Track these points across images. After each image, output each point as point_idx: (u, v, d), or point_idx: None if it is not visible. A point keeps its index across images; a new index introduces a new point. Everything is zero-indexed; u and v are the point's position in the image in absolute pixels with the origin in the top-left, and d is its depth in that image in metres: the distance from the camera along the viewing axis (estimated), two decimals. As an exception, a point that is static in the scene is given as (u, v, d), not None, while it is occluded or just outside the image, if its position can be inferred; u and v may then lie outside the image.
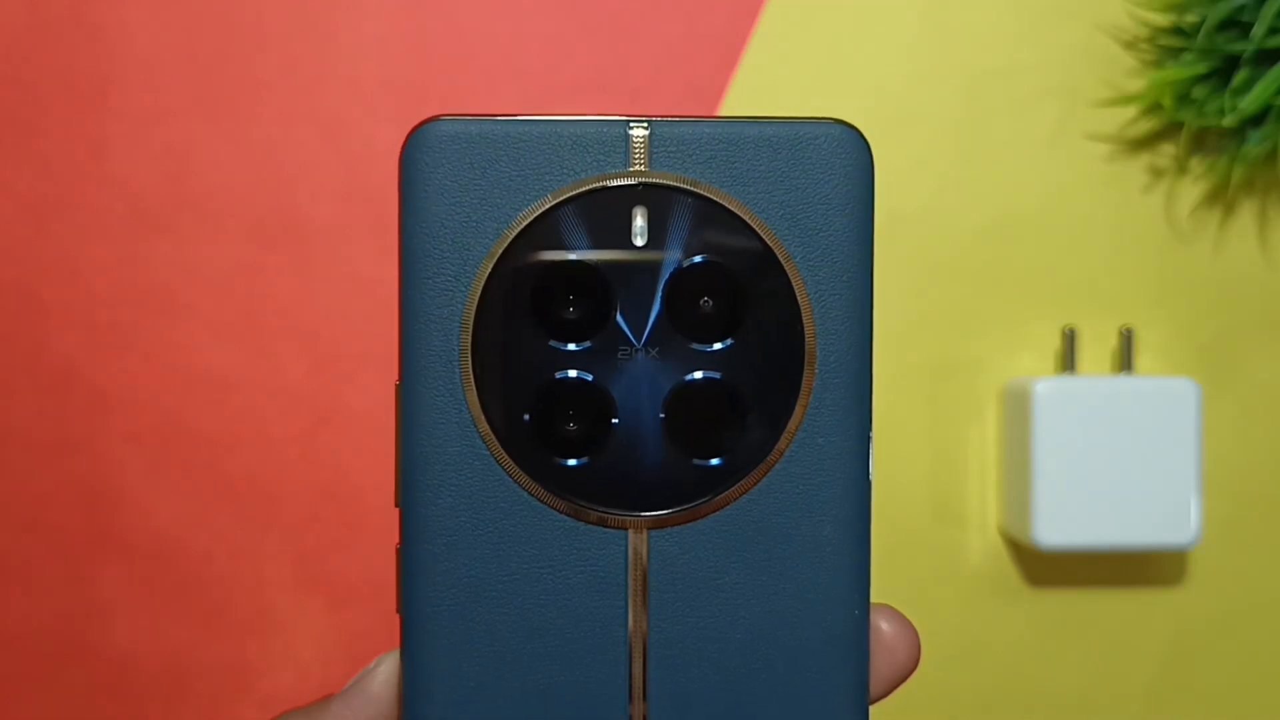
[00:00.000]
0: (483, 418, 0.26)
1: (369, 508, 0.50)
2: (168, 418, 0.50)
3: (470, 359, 0.26)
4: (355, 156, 0.50)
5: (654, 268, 0.27)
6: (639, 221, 0.27)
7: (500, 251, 0.26)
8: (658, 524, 0.27)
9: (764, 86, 0.51)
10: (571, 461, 0.27)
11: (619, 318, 0.27)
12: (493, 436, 0.26)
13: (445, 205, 0.26)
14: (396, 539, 0.27)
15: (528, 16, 0.51)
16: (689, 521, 0.27)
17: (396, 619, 0.28)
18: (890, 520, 0.51)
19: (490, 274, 0.26)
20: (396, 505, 0.27)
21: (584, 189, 0.26)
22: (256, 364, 0.50)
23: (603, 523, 0.27)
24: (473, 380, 0.26)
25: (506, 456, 0.26)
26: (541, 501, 0.27)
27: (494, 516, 0.27)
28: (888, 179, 0.53)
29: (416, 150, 0.26)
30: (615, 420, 0.27)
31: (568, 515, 0.27)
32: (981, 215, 0.51)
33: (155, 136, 0.50)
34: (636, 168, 0.27)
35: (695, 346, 0.27)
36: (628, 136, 0.27)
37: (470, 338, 0.26)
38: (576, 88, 0.51)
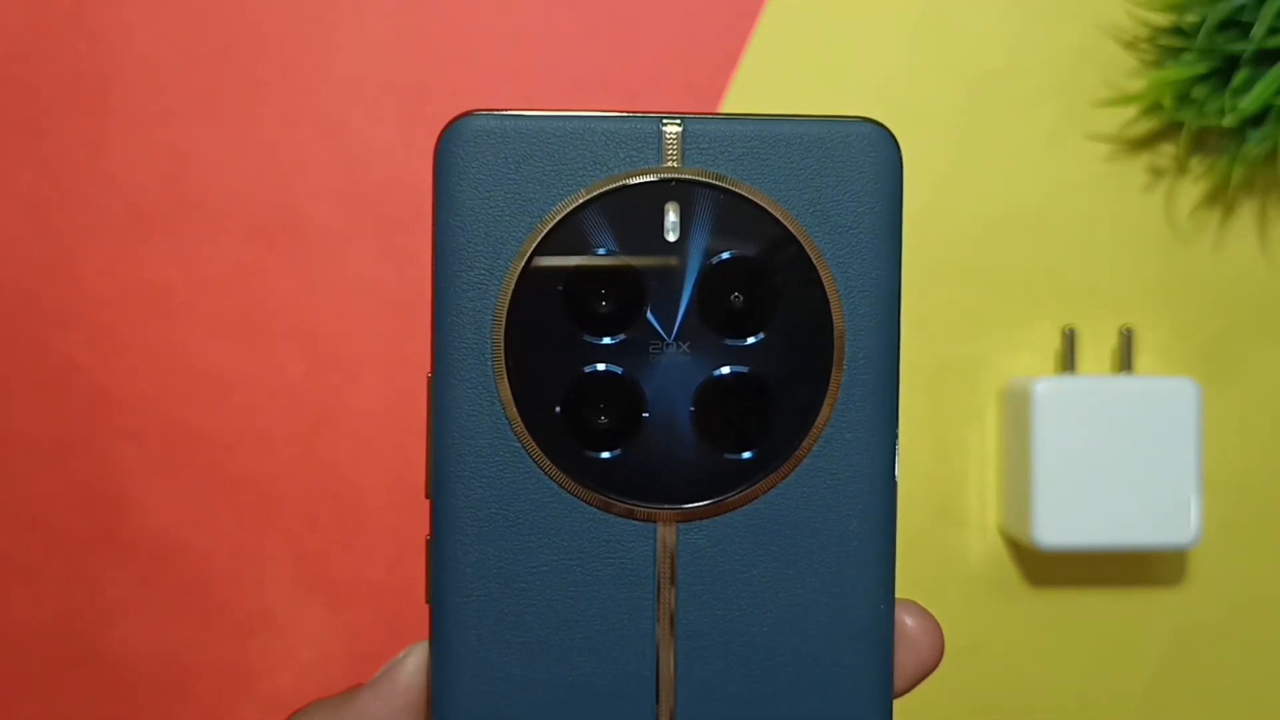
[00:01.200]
0: (515, 410, 0.27)
1: (369, 508, 0.50)
2: (168, 418, 0.50)
3: (503, 352, 0.27)
4: (355, 156, 0.50)
5: (686, 263, 0.27)
6: (671, 217, 0.27)
7: (534, 246, 0.27)
8: (686, 517, 0.27)
9: (764, 86, 0.51)
10: (602, 454, 0.27)
11: (650, 312, 0.27)
12: (524, 429, 0.27)
13: (479, 199, 0.27)
14: (427, 530, 0.27)
15: (528, 16, 0.51)
16: (717, 515, 0.27)
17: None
18: (890, 520, 0.51)
19: (524, 268, 0.27)
20: (427, 496, 0.27)
21: (618, 184, 0.27)
22: (256, 364, 0.50)
23: (632, 515, 0.27)
24: (505, 373, 0.27)
25: (537, 449, 0.27)
26: (571, 494, 0.27)
27: (524, 508, 0.27)
28: (888, 179, 0.53)
29: (451, 145, 0.27)
30: (646, 414, 0.27)
31: (597, 508, 0.27)
32: (981, 215, 0.51)
33: (155, 136, 0.50)
34: (669, 164, 0.27)
35: (726, 341, 0.27)
36: (661, 133, 0.27)
37: (503, 331, 0.27)
38: (576, 87, 0.51)
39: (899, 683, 0.28)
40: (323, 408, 0.50)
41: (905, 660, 0.28)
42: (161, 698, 0.50)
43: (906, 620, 0.28)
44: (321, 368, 0.50)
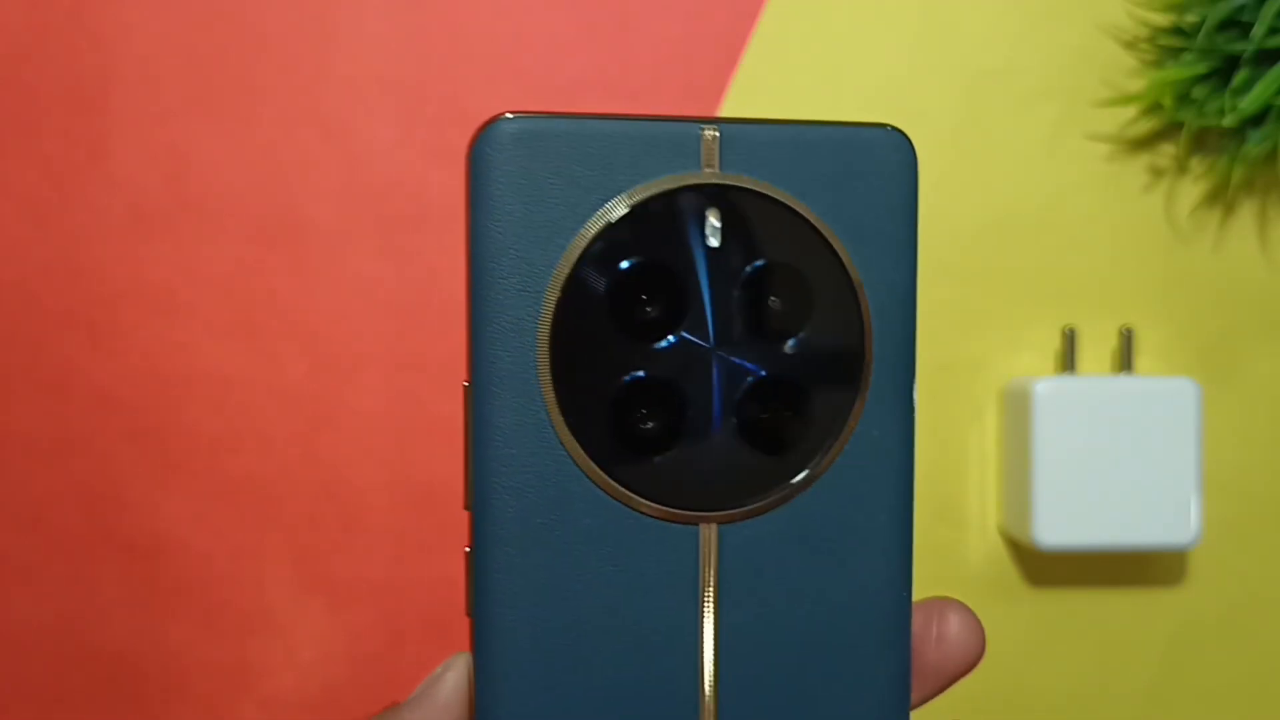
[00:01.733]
0: (561, 418, 0.27)
1: (369, 508, 0.50)
2: (168, 418, 0.50)
3: (549, 359, 0.26)
4: (355, 156, 0.50)
5: (727, 267, 0.27)
6: (713, 222, 0.27)
7: (580, 250, 0.26)
8: (729, 519, 0.27)
9: (764, 86, 0.51)
10: (648, 459, 0.27)
11: (693, 317, 0.27)
12: (570, 436, 0.27)
13: (519, 203, 0.26)
14: (466, 542, 0.27)
15: (528, 16, 0.51)
16: (757, 515, 0.27)
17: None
18: (890, 520, 0.51)
19: (569, 273, 0.26)
20: (466, 508, 0.27)
21: (661, 189, 0.27)
22: (256, 364, 0.50)
23: (677, 519, 0.27)
24: (550, 380, 0.26)
25: (585, 456, 0.27)
26: (617, 500, 0.27)
27: (571, 516, 0.27)
28: (888, 179, 0.53)
29: (488, 147, 0.26)
30: (689, 418, 0.27)
31: (643, 513, 0.27)
32: (981, 215, 0.51)
33: (155, 136, 0.50)
34: (708, 169, 0.27)
35: (765, 345, 0.27)
36: (700, 138, 0.27)
37: (549, 337, 0.26)
38: (576, 88, 0.51)
39: (941, 681, 0.29)
40: (323, 408, 0.50)
41: (949, 659, 0.29)
42: (161, 698, 0.50)
43: (951, 618, 0.29)
44: (321, 368, 0.50)
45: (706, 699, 0.27)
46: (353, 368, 0.50)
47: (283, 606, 0.50)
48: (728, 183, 0.27)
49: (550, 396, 0.26)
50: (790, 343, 0.28)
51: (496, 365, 0.26)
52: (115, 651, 0.50)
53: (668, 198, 0.27)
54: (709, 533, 0.27)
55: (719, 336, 0.27)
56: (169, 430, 0.50)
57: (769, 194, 0.27)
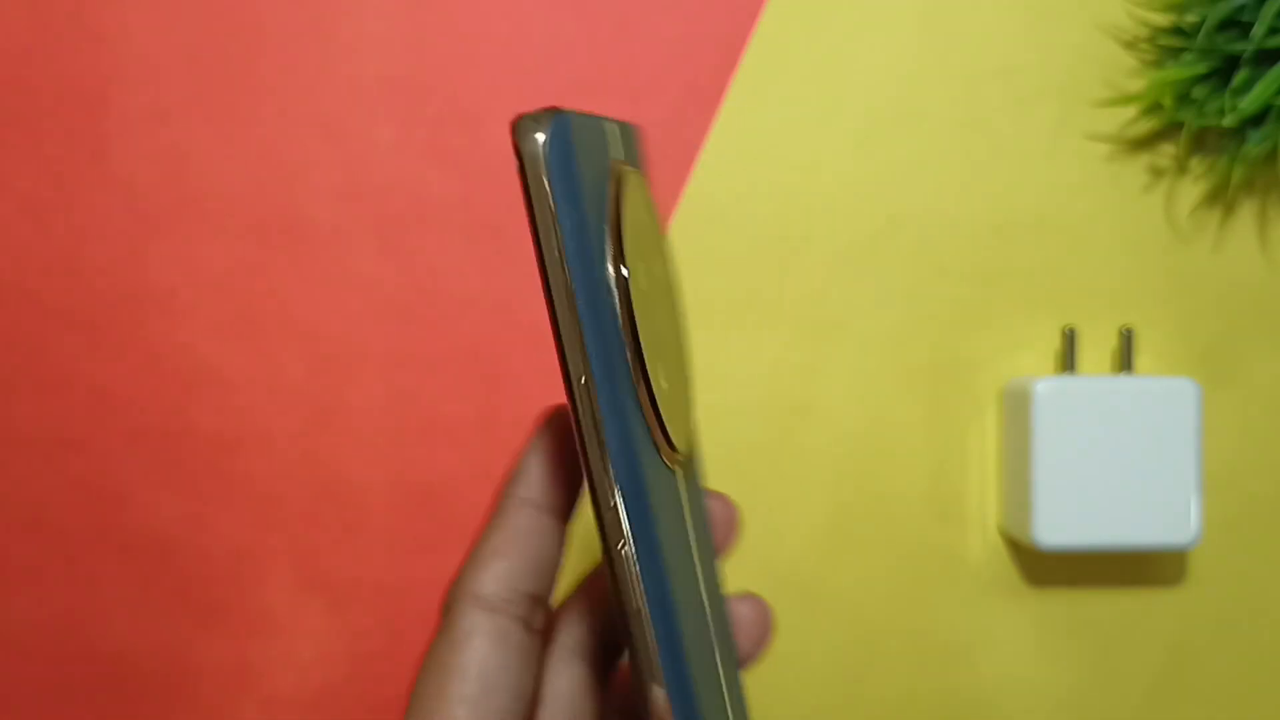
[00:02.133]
0: (646, 398, 0.27)
1: (369, 508, 0.50)
2: (168, 417, 0.50)
3: (631, 339, 0.27)
4: (355, 156, 0.50)
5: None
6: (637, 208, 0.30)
7: (617, 237, 0.27)
8: (683, 464, 0.30)
9: (764, 86, 0.51)
10: (674, 419, 0.29)
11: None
12: (655, 418, 0.27)
13: (580, 191, 0.27)
14: (616, 540, 0.26)
15: (528, 16, 0.51)
16: (688, 459, 0.31)
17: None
18: (890, 520, 0.50)
19: (618, 258, 0.27)
20: (599, 505, 0.26)
21: (620, 171, 0.28)
22: (256, 364, 0.50)
23: (674, 468, 0.29)
24: (634, 359, 0.27)
25: (662, 436, 0.28)
26: (664, 461, 0.28)
27: (661, 490, 0.28)
28: (888, 179, 0.53)
29: (560, 141, 0.26)
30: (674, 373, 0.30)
31: (670, 469, 0.29)
32: (981, 215, 0.51)
33: (155, 136, 0.50)
34: (616, 156, 0.29)
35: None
36: (609, 130, 0.29)
37: (627, 320, 0.27)
38: (576, 88, 0.51)
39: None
40: (323, 407, 0.50)
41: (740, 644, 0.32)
42: (161, 698, 0.50)
43: (741, 609, 0.33)
44: (321, 367, 0.50)
45: (710, 619, 0.29)
46: (352, 367, 0.50)
47: (283, 606, 0.50)
48: (632, 169, 0.29)
49: (641, 384, 0.27)
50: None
51: (607, 359, 0.26)
52: (115, 651, 0.50)
53: (628, 180, 0.29)
54: (680, 477, 0.29)
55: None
56: (169, 430, 0.50)
57: (643, 178, 0.30)
